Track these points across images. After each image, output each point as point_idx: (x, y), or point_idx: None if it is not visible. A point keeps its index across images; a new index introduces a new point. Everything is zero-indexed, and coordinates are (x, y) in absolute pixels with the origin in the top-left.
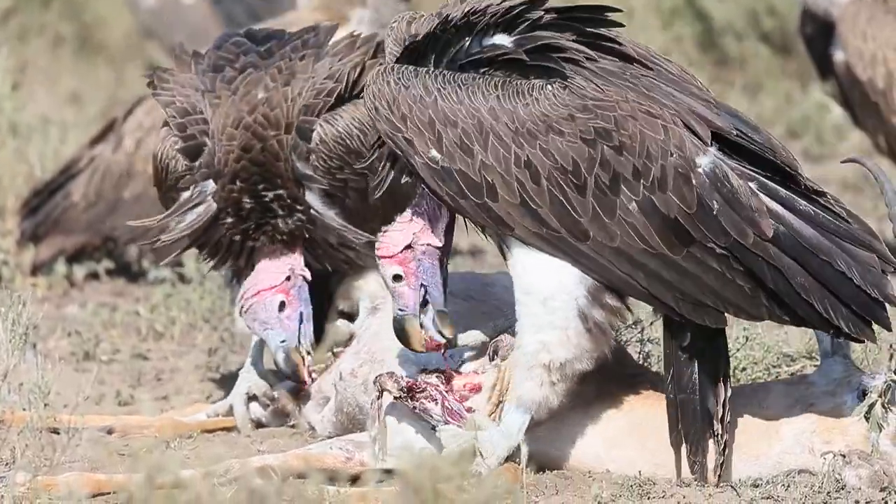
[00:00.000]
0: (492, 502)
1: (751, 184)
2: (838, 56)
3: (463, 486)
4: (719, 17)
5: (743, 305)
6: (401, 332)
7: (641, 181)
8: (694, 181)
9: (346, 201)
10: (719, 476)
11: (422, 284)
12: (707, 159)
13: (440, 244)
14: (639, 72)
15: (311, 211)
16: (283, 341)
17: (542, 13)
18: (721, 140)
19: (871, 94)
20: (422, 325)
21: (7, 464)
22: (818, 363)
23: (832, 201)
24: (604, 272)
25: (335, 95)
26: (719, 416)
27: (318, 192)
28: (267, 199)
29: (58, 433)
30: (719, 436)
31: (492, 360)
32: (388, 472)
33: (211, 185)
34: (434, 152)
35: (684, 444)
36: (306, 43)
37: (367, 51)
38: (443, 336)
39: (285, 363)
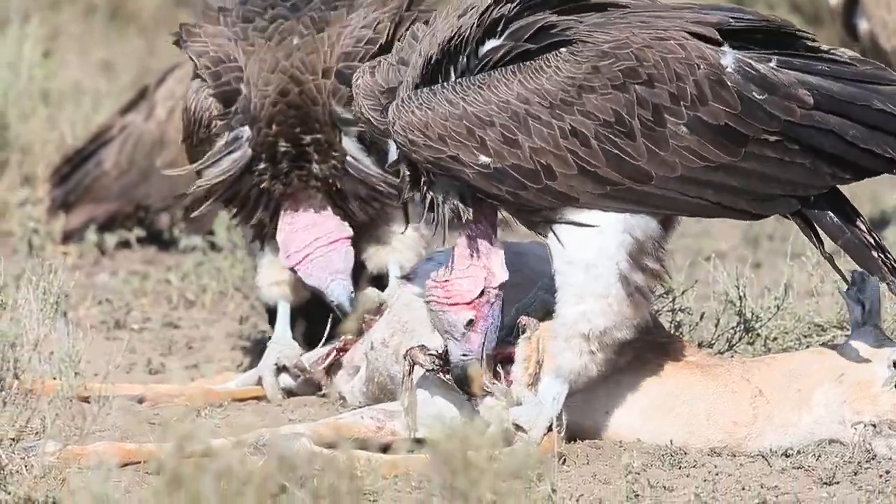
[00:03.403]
0: (523, 471)
1: (770, 64)
2: (863, 25)
3: (494, 455)
4: None
5: (808, 181)
6: (462, 377)
7: (682, 103)
8: (728, 82)
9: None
10: None
11: (487, 328)
12: (729, 57)
13: (506, 279)
14: (619, 13)
15: (347, 157)
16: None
17: (509, 4)
18: (723, 35)
19: (894, 64)
20: None
21: (37, 433)
22: (849, 333)
23: (835, 52)
24: (674, 205)
25: (378, 45)
26: (875, 242)
27: (354, 138)
28: (304, 142)
29: (88, 402)
30: (889, 259)
31: (519, 336)
32: (419, 441)
33: (246, 132)
34: (483, 158)
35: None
36: None
37: (402, 3)
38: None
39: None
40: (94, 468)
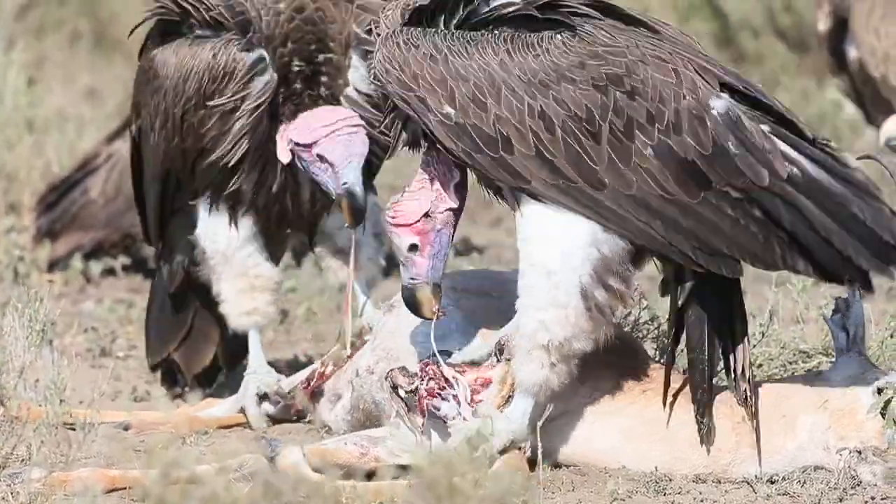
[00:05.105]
0: (507, 498)
1: (762, 127)
2: (851, 53)
3: (478, 481)
4: (736, 13)
5: (758, 253)
6: (412, 301)
7: (656, 125)
8: (708, 122)
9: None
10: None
11: (434, 254)
12: (721, 102)
13: (456, 205)
14: (644, 33)
15: (347, 89)
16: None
17: None
18: (729, 91)
19: (883, 91)
20: None
21: (23, 460)
22: (834, 360)
23: (832, 148)
24: (623, 223)
25: None
26: (741, 373)
27: (362, 72)
28: (317, 60)
29: (73, 429)
30: (746, 394)
31: (498, 359)
32: (404, 467)
33: (266, 56)
34: (448, 108)
35: (693, 407)
36: None
37: None
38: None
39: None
40: (79, 495)
